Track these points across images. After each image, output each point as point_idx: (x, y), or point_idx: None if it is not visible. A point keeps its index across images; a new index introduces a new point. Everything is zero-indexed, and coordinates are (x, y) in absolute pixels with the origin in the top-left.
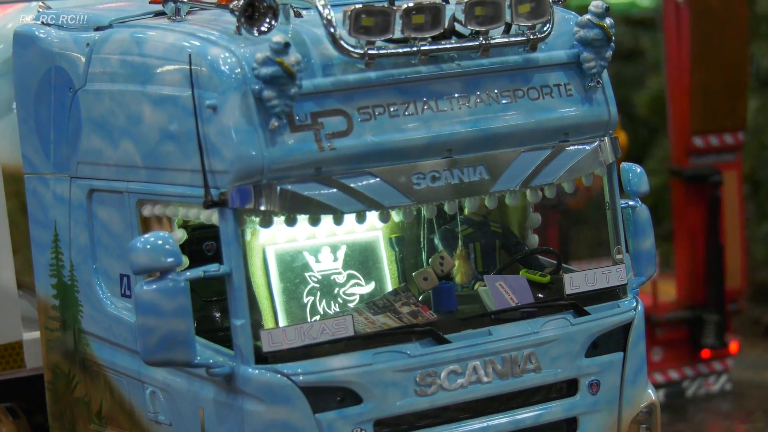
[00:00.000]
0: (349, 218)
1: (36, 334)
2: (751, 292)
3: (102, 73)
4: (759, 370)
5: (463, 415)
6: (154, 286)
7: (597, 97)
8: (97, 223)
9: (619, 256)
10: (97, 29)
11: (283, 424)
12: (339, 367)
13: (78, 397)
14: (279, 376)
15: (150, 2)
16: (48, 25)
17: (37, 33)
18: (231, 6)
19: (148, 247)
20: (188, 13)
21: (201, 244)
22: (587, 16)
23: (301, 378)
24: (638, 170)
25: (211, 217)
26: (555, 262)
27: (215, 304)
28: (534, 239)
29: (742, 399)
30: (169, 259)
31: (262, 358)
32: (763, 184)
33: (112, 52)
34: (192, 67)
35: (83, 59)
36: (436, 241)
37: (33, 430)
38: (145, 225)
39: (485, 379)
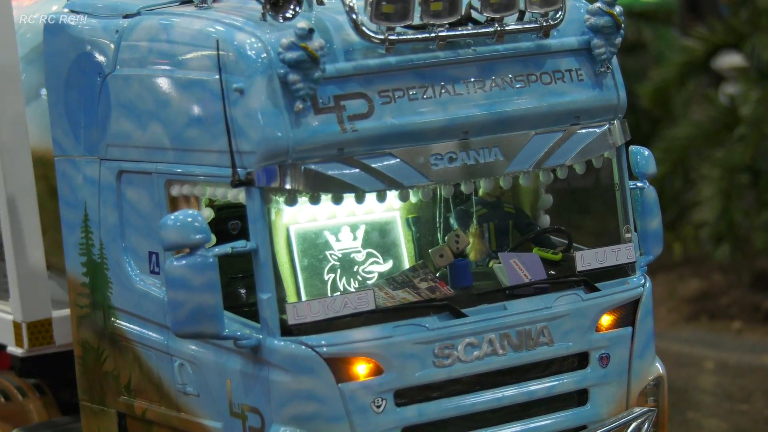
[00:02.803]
0: (370, 198)
1: (64, 312)
2: (752, 279)
3: (131, 58)
4: (758, 353)
5: (478, 386)
6: (184, 262)
7: (607, 82)
8: (126, 203)
9: (627, 235)
10: (126, 17)
11: (307, 393)
12: (361, 339)
13: (107, 370)
14: (304, 347)
15: None
16: (78, 13)
17: (67, 21)
18: None
19: (178, 224)
20: (214, 0)
21: (226, 223)
22: (597, 4)
23: (324, 349)
24: (646, 153)
25: (238, 195)
26: (566, 241)
27: (240, 281)
28: (546, 220)
29: (743, 380)
30: (199, 236)
31: (287, 330)
32: (764, 173)
33: (140, 39)
34: (219, 52)
35: (112, 46)
36: (452, 220)
37: (58, 406)
38: (173, 204)
39: (500, 351)
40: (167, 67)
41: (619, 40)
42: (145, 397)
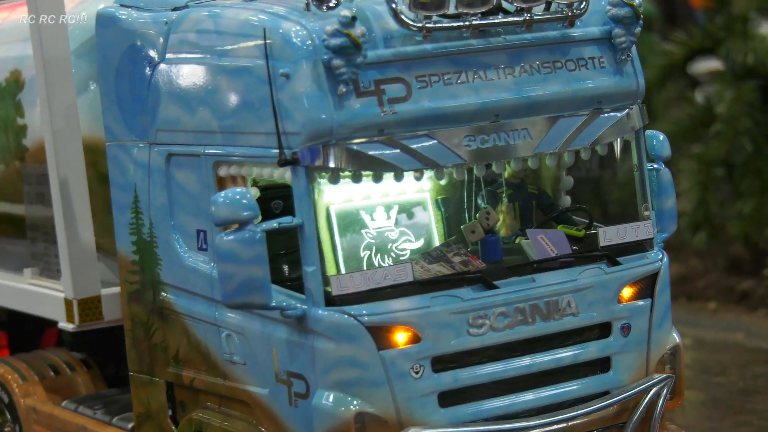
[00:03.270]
0: (403, 177)
1: (112, 290)
2: (726, 264)
3: (179, 48)
4: (732, 331)
5: (509, 353)
6: (234, 237)
7: (627, 69)
8: (175, 184)
9: (646, 213)
10: (174, 9)
11: (350, 360)
12: (400, 309)
13: (156, 342)
14: (347, 316)
15: None
16: (127, 6)
17: (117, 14)
18: None
19: (228, 201)
20: None
21: (269, 203)
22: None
23: (366, 318)
24: (661, 137)
25: (284, 174)
26: (586, 220)
27: (282, 258)
28: (566, 200)
29: (718, 356)
30: (247, 212)
31: (330, 301)
32: (738, 167)
33: (189, 29)
34: (266, 39)
35: (161, 37)
36: (479, 200)
37: (104, 380)
38: (221, 185)
39: (530, 321)
40: (215, 56)
41: (638, 29)
42: (193, 367)
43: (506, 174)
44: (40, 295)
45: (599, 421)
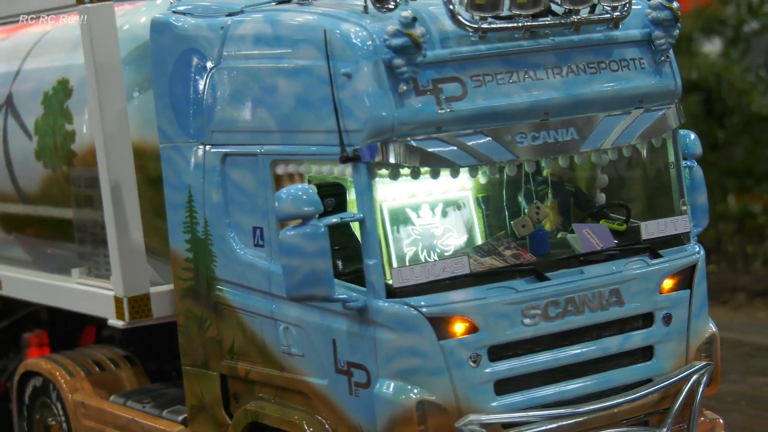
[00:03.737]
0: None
1: (160, 288)
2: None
3: (236, 51)
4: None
5: (560, 342)
6: (298, 231)
7: (665, 70)
8: (230, 183)
9: (684, 208)
10: (229, 15)
11: (411, 349)
12: (458, 300)
13: (210, 336)
14: (408, 308)
15: None
16: (181, 13)
17: (172, 20)
18: None
19: (292, 197)
20: None
21: (322, 200)
22: (658, 0)
23: (427, 309)
24: (692, 136)
25: (345, 171)
26: (622, 217)
27: (338, 252)
28: (602, 197)
29: None
30: (311, 208)
31: (391, 292)
32: None
33: (246, 33)
34: (327, 40)
35: (218, 41)
36: (519, 197)
37: (147, 375)
38: (278, 182)
39: (579, 311)
40: (273, 58)
41: (677, 32)
42: (248, 360)
43: (547, 171)
44: (90, 293)
45: (643, 408)
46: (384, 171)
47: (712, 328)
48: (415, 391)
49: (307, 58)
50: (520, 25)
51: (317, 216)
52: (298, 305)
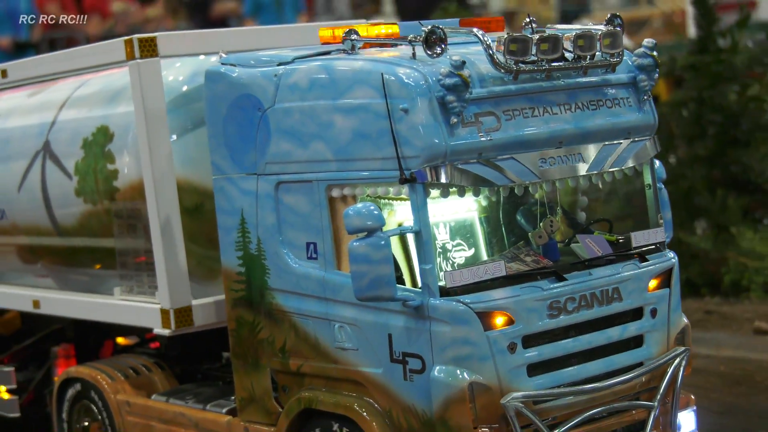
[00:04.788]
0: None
1: (200, 301)
2: None
3: (291, 94)
4: None
5: (576, 332)
6: (365, 242)
7: (646, 108)
8: (283, 206)
9: (661, 221)
10: (280, 64)
11: (462, 339)
12: (499, 297)
13: (262, 338)
14: (461, 304)
15: (322, 43)
16: (231, 65)
17: (226, 71)
18: (409, 38)
19: (359, 213)
20: (361, 48)
21: None
22: (642, 49)
23: (475, 305)
24: (658, 163)
25: (401, 191)
26: (606, 230)
27: None
28: (582, 216)
29: None
30: (376, 222)
31: (444, 292)
32: None
33: (301, 79)
34: (385, 82)
35: (272, 87)
36: (518, 216)
37: (175, 379)
38: (332, 204)
39: (590, 306)
40: (329, 98)
41: (656, 75)
42: (301, 356)
43: (538, 195)
44: (135, 307)
45: (637, 386)
46: (435, 191)
47: (685, 320)
48: (466, 374)
49: (364, 97)
50: (545, 67)
51: (381, 229)
52: (353, 306)
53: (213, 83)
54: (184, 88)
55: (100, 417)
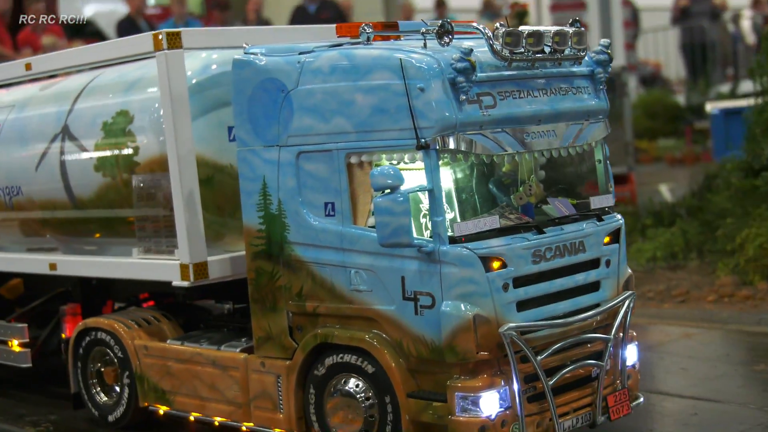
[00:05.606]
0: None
1: (214, 257)
2: None
3: (314, 78)
4: None
5: (553, 276)
6: (388, 197)
7: (601, 96)
8: (303, 172)
9: (611, 189)
10: (302, 53)
11: (468, 279)
12: (496, 245)
13: (280, 285)
14: (466, 250)
15: (338, 36)
16: (254, 54)
17: (252, 59)
18: (422, 30)
19: (384, 173)
20: (373, 39)
21: None
22: (599, 47)
23: (478, 251)
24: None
25: (415, 157)
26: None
27: None
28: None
29: None
30: (397, 180)
31: (452, 240)
32: None
33: (323, 64)
34: (403, 66)
35: (295, 72)
36: (504, 181)
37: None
38: (350, 169)
39: (563, 255)
40: (351, 80)
41: (609, 69)
42: (316, 299)
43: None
44: (155, 264)
45: (594, 323)
46: (446, 156)
47: (629, 270)
48: (470, 308)
49: (383, 79)
50: (531, 57)
51: (401, 186)
52: (369, 255)
53: (240, 69)
54: (194, 80)
55: (116, 361)
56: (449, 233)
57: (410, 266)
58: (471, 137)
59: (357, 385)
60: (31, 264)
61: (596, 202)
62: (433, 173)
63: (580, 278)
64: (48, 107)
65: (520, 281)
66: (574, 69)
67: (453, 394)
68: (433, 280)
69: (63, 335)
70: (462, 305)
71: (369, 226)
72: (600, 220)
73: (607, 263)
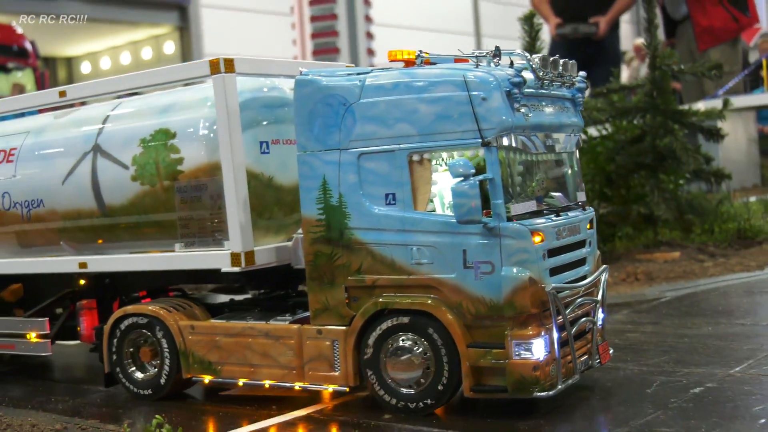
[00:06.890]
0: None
1: (260, 247)
2: None
3: (376, 92)
4: None
5: (566, 250)
6: (465, 183)
7: (579, 115)
8: (364, 170)
9: (583, 187)
10: (360, 74)
11: (522, 249)
12: (540, 223)
13: (339, 264)
14: (521, 225)
15: (390, 61)
16: (318, 76)
17: (314, 78)
18: (475, 53)
19: (461, 164)
20: (425, 63)
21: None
22: (579, 77)
23: (530, 227)
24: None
25: (478, 152)
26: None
27: None
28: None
29: None
30: (469, 170)
31: (509, 218)
32: None
33: (385, 82)
34: (467, 80)
35: (357, 88)
36: (535, 174)
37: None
38: (411, 166)
39: (572, 234)
40: (414, 93)
41: (587, 93)
42: (376, 273)
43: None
44: (201, 255)
45: (583, 290)
46: (502, 152)
47: (598, 251)
48: (525, 272)
49: (446, 91)
50: (555, 79)
51: (472, 175)
52: (431, 234)
53: (302, 87)
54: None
55: (155, 340)
56: (508, 213)
57: (471, 240)
58: (520, 137)
59: (415, 342)
60: (61, 265)
61: (581, 196)
62: (493, 165)
63: (579, 254)
64: (71, 131)
65: (550, 253)
66: (566, 92)
67: (510, 341)
68: (494, 251)
69: (85, 325)
70: (518, 269)
71: (429, 210)
72: (584, 209)
73: (590, 244)
